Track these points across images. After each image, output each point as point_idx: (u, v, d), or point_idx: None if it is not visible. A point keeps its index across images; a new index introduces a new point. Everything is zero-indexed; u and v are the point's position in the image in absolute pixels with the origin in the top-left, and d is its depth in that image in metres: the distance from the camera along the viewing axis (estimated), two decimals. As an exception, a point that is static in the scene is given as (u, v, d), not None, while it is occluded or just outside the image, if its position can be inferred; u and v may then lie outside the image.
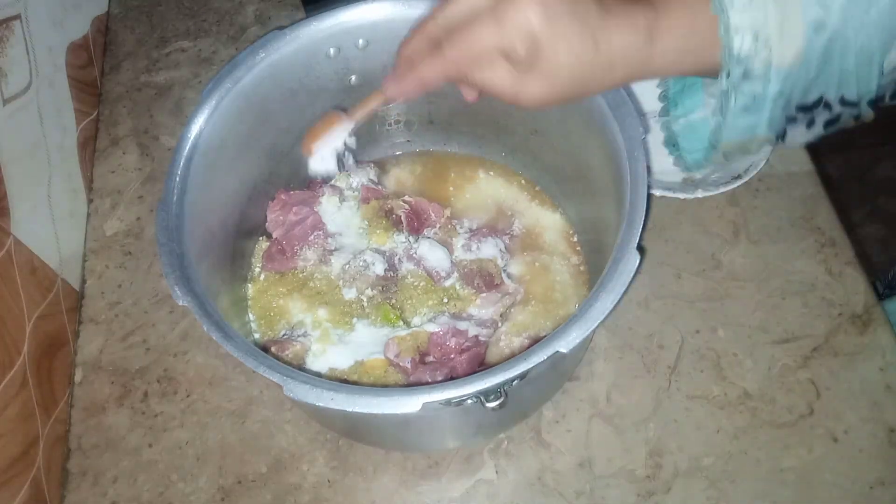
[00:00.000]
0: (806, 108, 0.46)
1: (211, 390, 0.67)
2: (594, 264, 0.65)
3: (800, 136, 0.48)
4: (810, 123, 0.47)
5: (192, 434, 0.65)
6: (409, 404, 0.44)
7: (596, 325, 0.46)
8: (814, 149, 0.78)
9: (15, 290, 0.64)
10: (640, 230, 0.49)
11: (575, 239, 0.69)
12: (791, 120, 0.46)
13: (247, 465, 0.63)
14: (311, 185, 0.70)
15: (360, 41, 0.63)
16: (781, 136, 0.48)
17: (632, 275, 0.47)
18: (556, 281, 0.67)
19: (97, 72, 0.90)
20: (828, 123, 0.47)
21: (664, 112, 0.55)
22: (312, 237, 0.66)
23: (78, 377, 0.69)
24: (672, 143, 0.56)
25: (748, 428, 0.62)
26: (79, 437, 0.66)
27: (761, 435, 0.62)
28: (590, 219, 0.66)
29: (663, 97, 0.55)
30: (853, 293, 0.68)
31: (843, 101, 0.45)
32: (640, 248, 0.48)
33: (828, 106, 0.45)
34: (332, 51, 0.62)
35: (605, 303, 0.46)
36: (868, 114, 0.47)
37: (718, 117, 0.46)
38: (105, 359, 0.70)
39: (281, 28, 0.60)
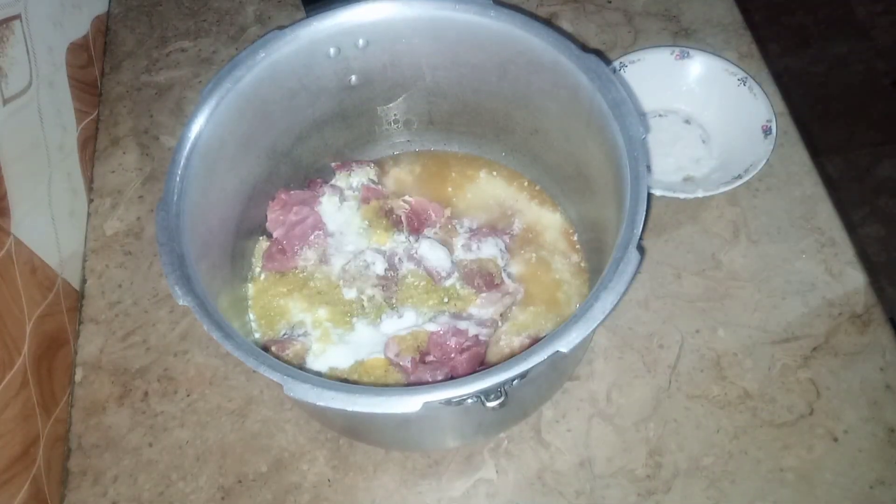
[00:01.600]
0: None
1: (211, 390, 0.67)
2: (594, 264, 0.65)
3: None
4: None
5: (192, 434, 0.65)
6: (409, 404, 0.44)
7: (596, 324, 0.46)
8: (814, 149, 0.78)
9: (15, 289, 0.64)
10: (640, 230, 0.48)
11: (575, 238, 0.69)
12: None
13: (247, 465, 0.63)
14: (311, 184, 0.71)
15: (360, 41, 0.62)
16: None
17: (632, 275, 0.47)
18: (556, 280, 0.67)
19: (97, 72, 0.90)
20: None
21: None
22: (313, 237, 0.66)
23: (78, 377, 0.69)
24: None
25: (748, 428, 0.62)
26: (79, 437, 0.66)
27: (761, 435, 0.62)
28: (590, 218, 0.66)
29: None
30: (853, 293, 0.68)
31: None
32: (640, 248, 0.48)
33: None
34: (332, 51, 0.62)
35: (605, 303, 0.46)
36: None
37: None
38: (105, 358, 0.70)
39: (281, 28, 0.60)
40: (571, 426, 0.64)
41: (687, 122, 0.80)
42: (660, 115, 0.81)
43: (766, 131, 0.73)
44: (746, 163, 0.72)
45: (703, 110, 0.80)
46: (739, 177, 0.71)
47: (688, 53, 0.79)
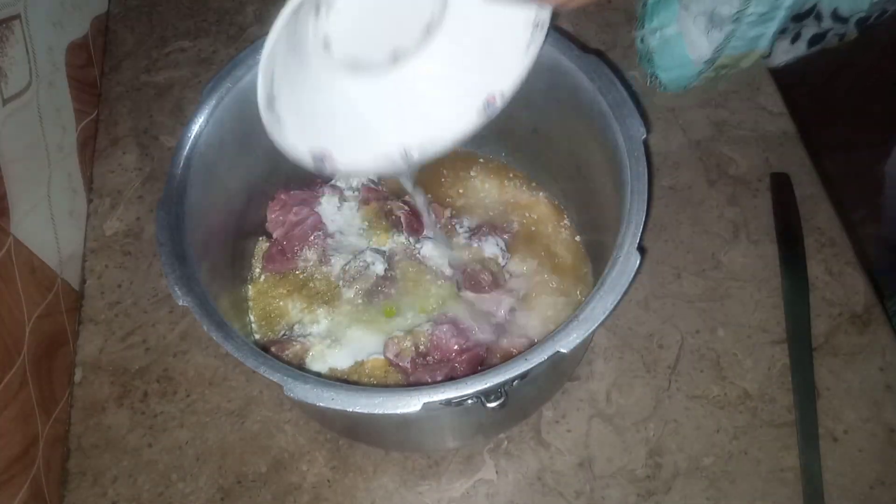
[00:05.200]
0: (798, 18, 0.46)
1: (211, 390, 0.67)
2: (595, 264, 0.65)
3: (783, 52, 0.49)
4: (796, 38, 0.48)
5: (192, 434, 0.65)
6: (409, 404, 0.44)
7: (596, 325, 0.46)
8: (814, 149, 0.78)
9: (15, 290, 0.64)
10: (641, 230, 0.48)
11: (575, 238, 0.69)
12: (781, 32, 0.47)
13: (246, 465, 0.63)
14: (311, 185, 0.70)
15: (360, 41, 0.62)
16: (768, 53, 0.48)
17: (632, 275, 0.47)
18: (556, 280, 0.67)
19: (97, 72, 0.90)
20: (812, 40, 0.48)
21: (640, 24, 0.55)
22: (312, 238, 0.66)
23: (78, 377, 0.69)
24: (647, 59, 0.55)
25: (748, 428, 0.62)
26: (78, 437, 0.66)
27: (761, 435, 0.62)
28: (590, 218, 0.66)
29: (641, 7, 0.55)
30: (853, 293, 0.68)
31: (835, 16, 0.46)
32: (641, 248, 0.48)
33: (819, 17, 0.46)
34: (332, 51, 0.62)
35: (605, 303, 0.46)
36: (852, 34, 0.48)
37: (728, 26, 0.46)
38: (105, 359, 0.70)
39: (281, 28, 0.60)
40: (571, 426, 0.63)
41: None
42: None
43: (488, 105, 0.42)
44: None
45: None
46: None
47: None
